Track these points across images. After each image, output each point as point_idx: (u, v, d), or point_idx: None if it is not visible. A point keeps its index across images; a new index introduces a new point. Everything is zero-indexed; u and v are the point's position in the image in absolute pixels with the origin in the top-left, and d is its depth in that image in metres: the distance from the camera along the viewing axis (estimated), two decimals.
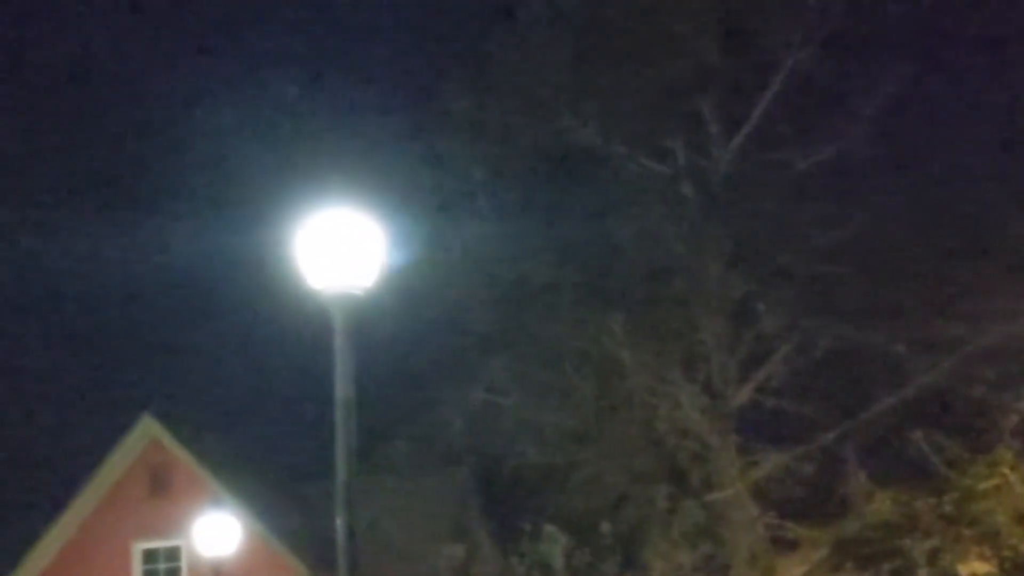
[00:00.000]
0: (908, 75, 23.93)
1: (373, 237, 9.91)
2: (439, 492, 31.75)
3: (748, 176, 24.53)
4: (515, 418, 25.54)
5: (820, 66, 24.44)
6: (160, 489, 30.95)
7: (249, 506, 28.65)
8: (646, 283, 24.17)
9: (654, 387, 24.74)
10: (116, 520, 30.77)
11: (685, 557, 25.44)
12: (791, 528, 25.66)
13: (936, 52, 24.58)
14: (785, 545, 26.14)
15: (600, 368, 24.72)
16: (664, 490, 25.46)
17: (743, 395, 25.21)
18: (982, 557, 25.61)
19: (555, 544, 26.57)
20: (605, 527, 26.38)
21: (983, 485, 24.35)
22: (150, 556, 30.96)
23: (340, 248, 9.78)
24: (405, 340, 25.00)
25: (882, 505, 24.73)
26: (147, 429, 31.18)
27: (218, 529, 21.46)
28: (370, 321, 11.14)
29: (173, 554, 30.59)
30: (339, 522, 9.91)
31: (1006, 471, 24.21)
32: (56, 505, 31.46)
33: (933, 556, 25.95)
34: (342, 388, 9.92)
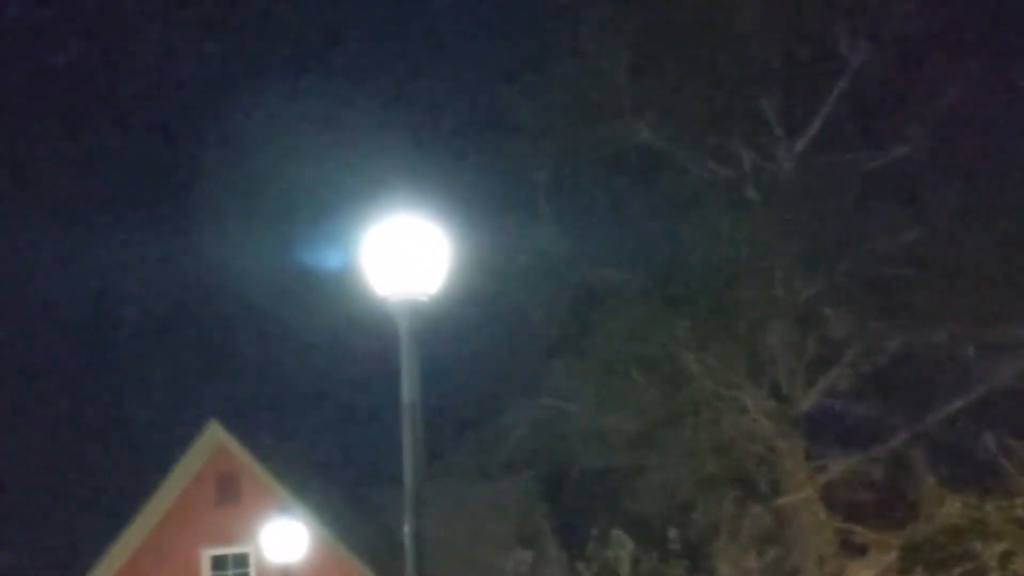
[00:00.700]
0: (973, 76, 23.74)
1: (437, 244, 9.94)
2: (505, 497, 31.77)
3: (813, 179, 24.40)
4: (580, 423, 25.54)
5: (885, 68, 24.30)
6: (228, 496, 31.15)
7: (316, 512, 28.80)
8: (711, 287, 24.08)
9: (720, 392, 24.66)
10: (185, 527, 31.02)
11: (753, 562, 25.33)
12: (860, 532, 25.50)
13: (1001, 53, 24.37)
14: (854, 549, 25.98)
15: (666, 373, 24.66)
16: (731, 495, 25.36)
17: (810, 399, 25.08)
18: None
19: (622, 549, 26.53)
20: (672, 532, 26.31)
21: None
22: (219, 563, 31.19)
23: (405, 255, 9.82)
24: (470, 346, 25.08)
25: (952, 509, 24.52)
26: (214, 436, 31.41)
27: (286, 535, 21.57)
28: (435, 327, 11.19)
29: (241, 560, 30.80)
30: (407, 528, 9.94)
31: None
32: (126, 512, 31.76)
33: (1005, 560, 25.69)
34: (408, 394, 9.96)
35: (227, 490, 31.15)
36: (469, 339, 24.72)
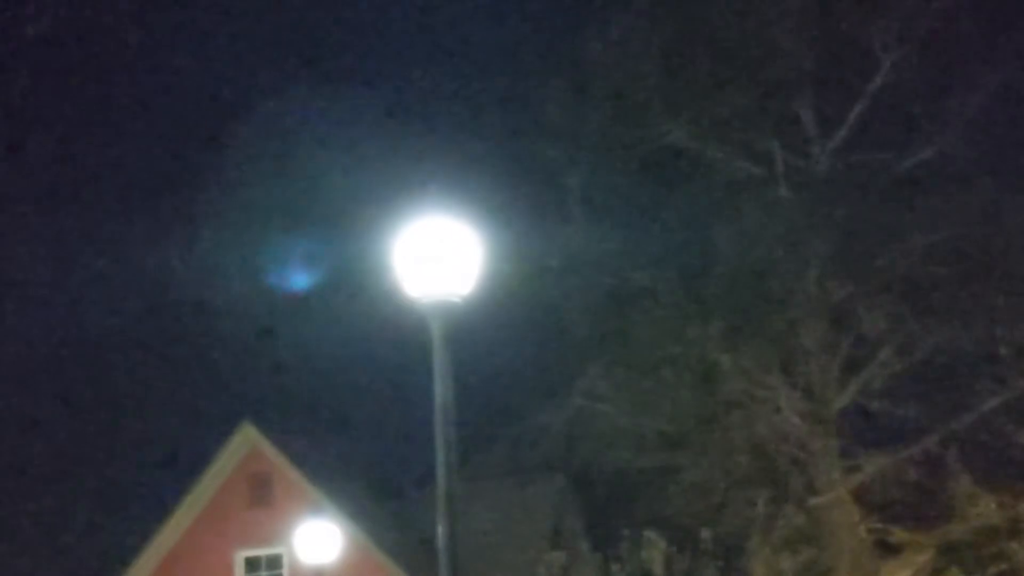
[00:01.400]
0: (1007, 74, 23.63)
1: (470, 245, 9.95)
2: (538, 498, 31.78)
3: (846, 178, 24.33)
4: (613, 424, 25.51)
5: (918, 67, 24.19)
6: (261, 497, 31.23)
7: (350, 513, 28.86)
8: (744, 287, 24.02)
9: (753, 391, 24.61)
10: (218, 528, 31.12)
11: (786, 562, 25.27)
12: (894, 532, 25.40)
13: None
14: (888, 549, 25.88)
15: (698, 373, 24.62)
16: (765, 495, 25.31)
17: (844, 398, 24.99)
18: None
19: (655, 550, 26.54)
20: (705, 533, 26.28)
21: None
22: (252, 564, 31.27)
23: (437, 256, 9.82)
24: (503, 347, 25.13)
25: (987, 508, 24.42)
26: (247, 437, 31.50)
27: (319, 537, 21.62)
28: (468, 328, 11.19)
29: (275, 562, 30.87)
30: (440, 529, 9.95)
31: None
32: (159, 513, 31.88)
33: None
34: (441, 395, 9.97)
35: (260, 491, 31.23)
36: (502, 341, 24.77)
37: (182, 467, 32.97)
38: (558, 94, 25.18)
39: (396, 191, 20.46)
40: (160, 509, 32.05)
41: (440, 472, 9.90)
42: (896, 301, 23.74)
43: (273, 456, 31.19)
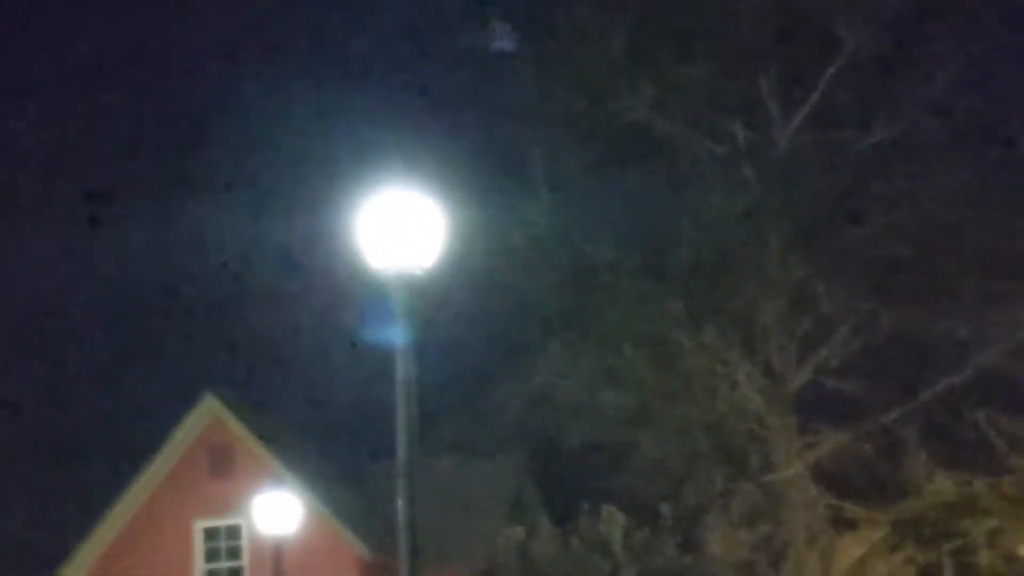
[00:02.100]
0: (970, 55, 23.69)
1: (433, 218, 9.92)
2: (498, 473, 31.83)
3: (808, 157, 24.38)
4: (574, 400, 25.56)
5: (881, 45, 24.24)
6: (221, 468, 31.13)
7: (310, 485, 28.80)
8: (705, 264, 24.08)
9: (713, 368, 24.68)
10: (178, 498, 31.01)
11: (743, 537, 25.41)
12: (850, 509, 25.55)
13: (998, 31, 24.28)
14: (844, 526, 26.05)
15: (659, 350, 24.67)
16: (723, 471, 25.43)
17: (802, 376, 25.10)
18: None
19: (614, 524, 26.64)
20: (664, 508, 26.39)
21: None
22: (211, 534, 31.18)
23: (400, 229, 9.79)
24: (465, 322, 25.07)
25: (942, 486, 24.59)
26: (208, 408, 31.38)
27: (279, 508, 21.56)
28: (431, 302, 11.16)
29: (234, 532, 30.79)
30: (400, 501, 9.93)
31: None
32: (119, 484, 31.74)
33: (994, 537, 25.78)
34: (402, 368, 9.95)
35: (221, 462, 31.12)
36: (464, 315, 24.71)
37: (143, 438, 32.80)
38: (524, 70, 25.14)
39: (360, 164, 20.37)
40: (120, 480, 31.93)
41: (400, 445, 9.89)
42: (856, 280, 23.84)
43: (234, 427, 31.09)
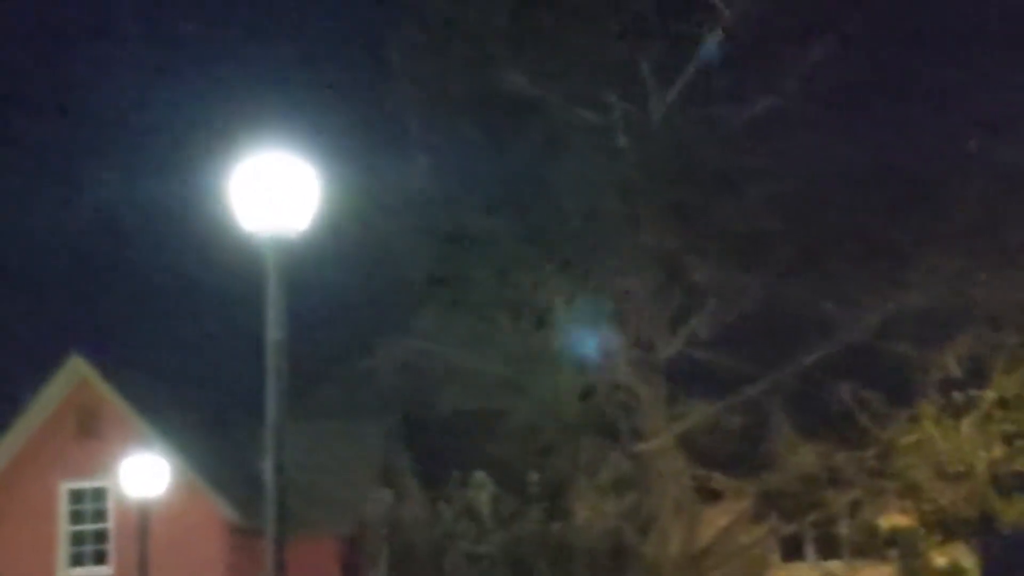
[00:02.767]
0: (845, 28, 24.01)
1: (307, 181, 9.88)
2: (369, 437, 31.77)
3: (683, 129, 24.58)
4: (446, 366, 25.59)
5: (757, 19, 24.48)
6: (88, 429, 30.73)
7: (177, 447, 28.53)
8: (579, 233, 24.20)
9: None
10: (43, 460, 30.58)
11: (611, 506, 25.68)
12: (716, 479, 25.92)
13: (874, 5, 24.65)
14: (710, 496, 26.43)
15: (532, 317, 24.77)
16: (591, 440, 25.63)
17: (672, 347, 25.36)
18: (903, 511, 26.03)
19: (482, 491, 26.75)
20: (532, 475, 26.55)
21: (905, 440, 24.73)
22: (77, 496, 30.79)
23: (273, 191, 9.74)
24: (339, 286, 24.96)
25: (806, 458, 25.02)
26: (75, 369, 30.94)
27: (146, 470, 21.36)
28: (304, 266, 11.11)
29: (100, 495, 30.44)
30: (267, 464, 9.91)
31: (928, 426, 24.58)
32: None
33: (855, 509, 26.36)
34: (273, 331, 9.91)
35: (87, 424, 30.72)
36: (337, 279, 24.59)
37: (8, 400, 32.24)
38: (402, 35, 25.00)
39: (235, 125, 20.14)
40: None
41: (269, 407, 9.86)
42: (727, 253, 24.11)
43: (102, 389, 30.69)
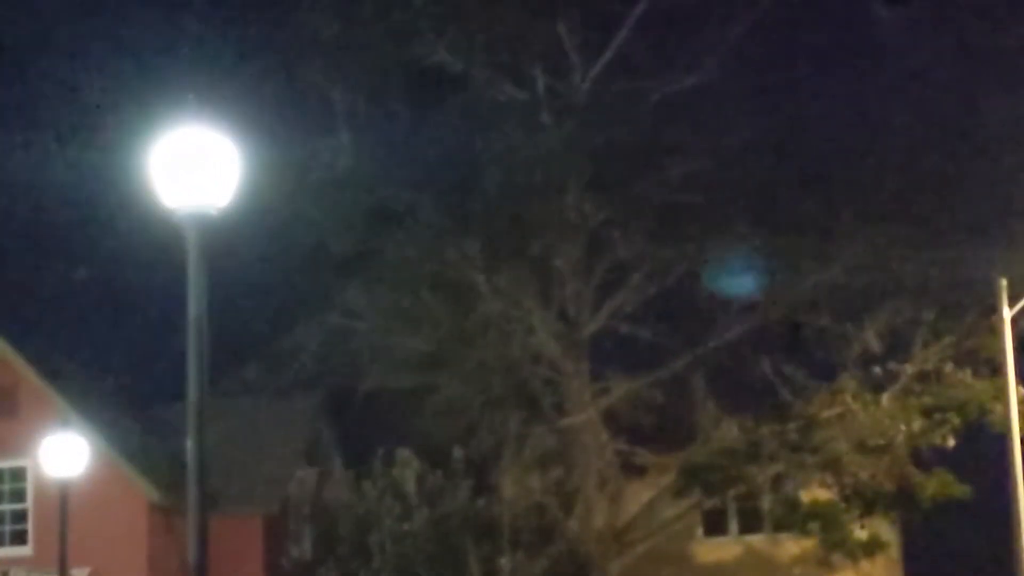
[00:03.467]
0: (765, 6, 24.20)
1: (228, 157, 9.83)
2: (293, 415, 31.64)
3: (606, 104, 24.68)
4: (370, 342, 25.58)
5: None
6: (5, 408, 30.36)
7: (98, 427, 28.29)
8: (503, 208, 24.24)
9: (509, 313, 24.92)
10: None
11: (536, 481, 25.80)
12: (640, 454, 26.14)
13: None
14: (634, 470, 26.64)
15: (456, 293, 24.81)
16: (517, 415, 25.72)
17: (596, 322, 25.50)
18: (824, 484, 26.36)
19: (408, 468, 26.74)
20: (458, 452, 26.60)
21: (826, 413, 25.05)
22: None
23: (194, 167, 9.68)
24: (261, 262, 24.83)
25: (728, 432, 25.29)
26: None
27: (65, 450, 21.16)
28: (226, 242, 11.07)
29: (19, 474, 30.11)
30: (189, 443, 9.88)
31: (849, 400, 24.92)
32: None
33: (776, 483, 26.66)
34: (194, 308, 9.86)
35: (4, 403, 30.35)
36: (260, 255, 24.47)
37: None
38: (326, 9, 24.87)
39: (155, 100, 19.99)
40: None
41: (190, 385, 9.82)
42: (650, 227, 24.25)
43: (19, 366, 30.33)
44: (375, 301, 25.40)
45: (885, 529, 29.26)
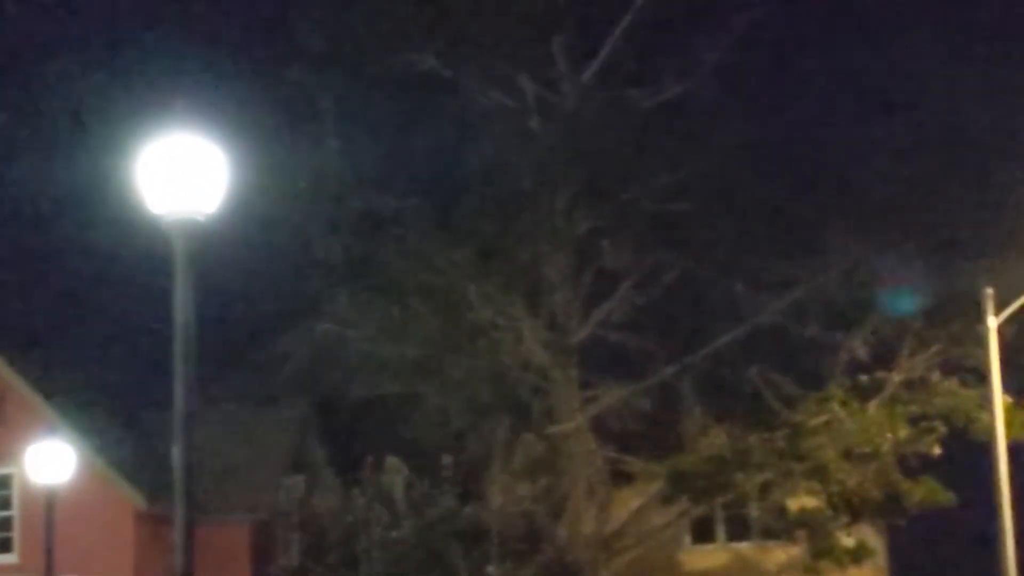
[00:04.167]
0: (752, 16, 24.23)
1: (216, 163, 9.79)
2: (281, 422, 31.63)
3: (595, 113, 24.68)
4: (359, 350, 25.52)
5: (668, 7, 24.64)
6: None
7: (85, 434, 28.24)
8: (492, 217, 24.23)
9: (498, 321, 24.89)
10: None
11: (524, 489, 25.75)
12: (628, 461, 26.11)
13: None
14: (622, 478, 26.60)
15: (445, 301, 24.78)
16: (505, 423, 25.69)
17: (585, 330, 25.49)
18: (811, 492, 26.35)
19: (396, 475, 26.69)
20: (446, 459, 26.55)
21: (814, 421, 25.04)
22: None
23: (181, 173, 9.64)
24: (251, 269, 24.78)
25: (716, 440, 25.26)
26: None
27: (52, 457, 21.08)
28: (215, 249, 11.02)
29: (5, 482, 30.07)
30: (176, 451, 9.83)
31: (836, 408, 24.92)
32: None
33: (764, 491, 26.63)
34: (182, 315, 9.81)
35: None
36: (249, 262, 24.41)
37: None
38: (315, 16, 24.86)
39: (142, 107, 19.93)
40: None
41: (178, 392, 9.77)
42: (639, 235, 24.26)
43: (6, 374, 30.31)
44: (363, 308, 25.35)
45: (872, 536, 29.28)
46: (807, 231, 23.75)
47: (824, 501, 26.10)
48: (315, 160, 24.58)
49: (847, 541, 26.84)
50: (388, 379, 25.74)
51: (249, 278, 25.12)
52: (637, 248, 24.23)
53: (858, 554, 27.00)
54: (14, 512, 29.99)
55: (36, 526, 22.58)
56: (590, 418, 25.51)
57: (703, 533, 30.10)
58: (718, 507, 28.28)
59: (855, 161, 24.31)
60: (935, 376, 25.15)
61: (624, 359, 25.55)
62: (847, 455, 25.14)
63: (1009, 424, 23.47)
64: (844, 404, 24.97)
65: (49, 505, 20.69)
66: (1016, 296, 23.30)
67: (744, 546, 30.03)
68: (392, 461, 26.80)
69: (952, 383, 25.12)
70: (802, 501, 26.80)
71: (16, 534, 29.91)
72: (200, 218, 9.77)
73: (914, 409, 25.23)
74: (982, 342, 23.37)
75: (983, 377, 23.79)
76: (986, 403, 23.58)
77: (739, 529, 29.80)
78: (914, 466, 25.51)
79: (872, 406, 25.06)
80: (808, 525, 26.30)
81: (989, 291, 23.13)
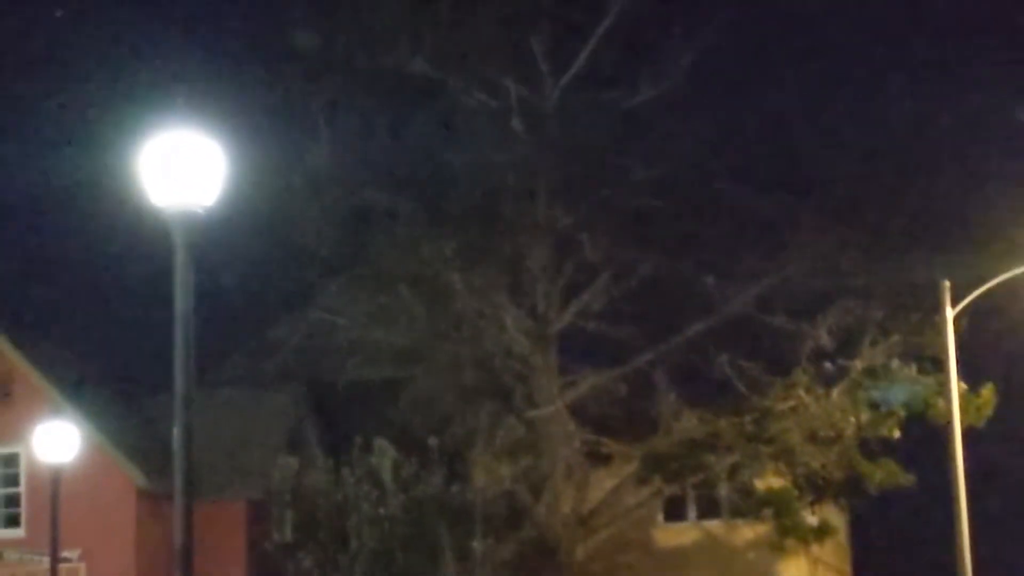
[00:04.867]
0: (727, 19, 24.28)
1: (214, 158, 9.80)
2: (276, 406, 31.52)
3: (575, 113, 24.70)
4: (350, 337, 25.53)
5: (646, 10, 24.65)
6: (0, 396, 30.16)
7: (89, 414, 28.12)
8: (477, 211, 24.26)
9: (482, 310, 24.91)
10: None
11: (506, 469, 25.75)
12: (605, 444, 26.13)
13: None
14: (599, 460, 26.62)
15: (432, 291, 24.79)
16: (489, 407, 25.70)
17: (564, 319, 25.53)
18: (778, 473, 26.42)
19: (384, 457, 26.65)
20: (432, 441, 26.55)
21: (780, 406, 25.09)
22: None
23: (181, 167, 9.66)
24: (247, 260, 24.75)
25: (688, 423, 25.30)
26: None
27: (57, 437, 21.00)
28: (213, 240, 11.01)
29: (12, 461, 29.90)
30: (175, 432, 9.81)
31: (802, 393, 24.97)
32: None
33: (733, 471, 26.68)
34: (181, 302, 9.82)
35: None
36: (244, 253, 24.38)
37: None
38: (308, 18, 24.81)
39: (145, 102, 19.86)
40: None
41: (177, 377, 9.77)
42: (616, 230, 24.30)
43: (12, 356, 30.13)
44: (354, 298, 25.36)
45: (834, 515, 29.37)
46: (774, 227, 23.79)
47: (790, 482, 26.17)
48: (309, 156, 24.56)
49: (811, 520, 26.94)
50: (378, 365, 25.75)
51: (246, 268, 25.10)
52: (614, 242, 24.27)
53: (822, 532, 27.12)
54: (21, 489, 29.84)
55: (42, 503, 22.51)
56: (569, 402, 25.54)
57: (675, 512, 30.10)
58: (689, 487, 28.28)
59: (821, 161, 24.37)
60: (895, 364, 25.20)
61: (601, 347, 25.60)
62: (812, 438, 25.19)
63: (964, 410, 23.55)
64: (809, 390, 25.02)
65: (55, 483, 20.62)
66: (971, 289, 23.38)
67: (714, 524, 30.04)
68: (381, 442, 26.76)
69: (911, 370, 25.18)
70: (769, 482, 26.86)
71: (23, 510, 29.77)
72: (199, 210, 9.77)
73: (875, 395, 25.27)
74: (940, 332, 23.44)
75: (940, 365, 23.86)
76: (943, 389, 23.65)
77: (709, 508, 29.81)
78: (875, 449, 25.57)
79: (836, 392, 25.11)
80: (775, 504, 26.38)
81: (946, 284, 23.23)
